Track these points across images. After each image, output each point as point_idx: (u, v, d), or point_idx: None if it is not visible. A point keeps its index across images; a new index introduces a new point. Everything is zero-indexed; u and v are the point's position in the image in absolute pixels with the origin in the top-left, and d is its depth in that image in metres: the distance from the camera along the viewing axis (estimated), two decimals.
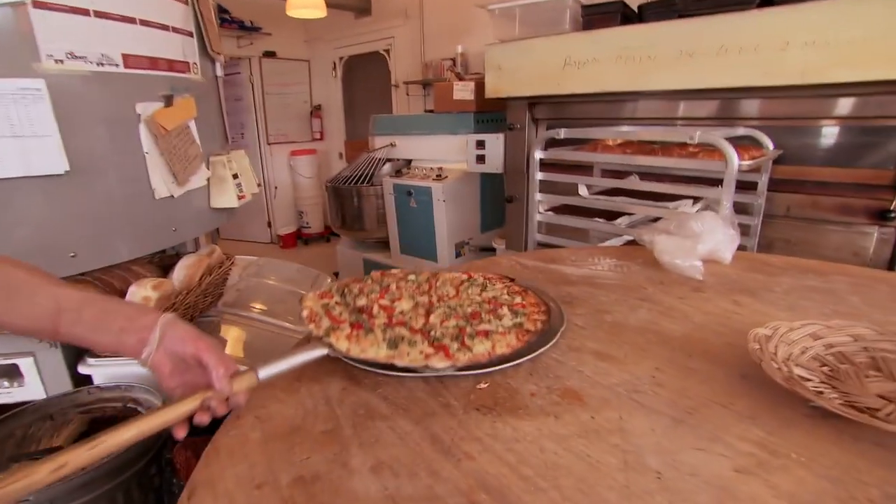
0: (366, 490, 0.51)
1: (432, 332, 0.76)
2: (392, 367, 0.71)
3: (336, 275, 3.70)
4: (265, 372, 0.65)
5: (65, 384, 1.27)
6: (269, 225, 5.54)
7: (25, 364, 1.24)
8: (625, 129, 1.70)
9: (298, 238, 5.53)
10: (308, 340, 0.76)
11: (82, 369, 1.31)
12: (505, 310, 0.84)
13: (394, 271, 1.03)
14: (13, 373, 1.26)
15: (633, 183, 1.64)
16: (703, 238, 1.13)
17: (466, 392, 0.68)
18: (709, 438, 0.56)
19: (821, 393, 0.62)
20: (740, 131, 1.67)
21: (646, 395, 0.65)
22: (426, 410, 0.64)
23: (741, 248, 1.21)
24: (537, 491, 0.50)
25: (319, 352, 0.72)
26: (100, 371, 1.32)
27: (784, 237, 1.74)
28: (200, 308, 1.60)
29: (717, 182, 1.42)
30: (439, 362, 0.69)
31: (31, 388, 1.25)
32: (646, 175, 1.77)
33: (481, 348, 0.72)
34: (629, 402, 0.64)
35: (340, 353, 0.72)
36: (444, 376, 0.71)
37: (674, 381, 0.68)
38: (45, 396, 1.25)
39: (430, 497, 0.50)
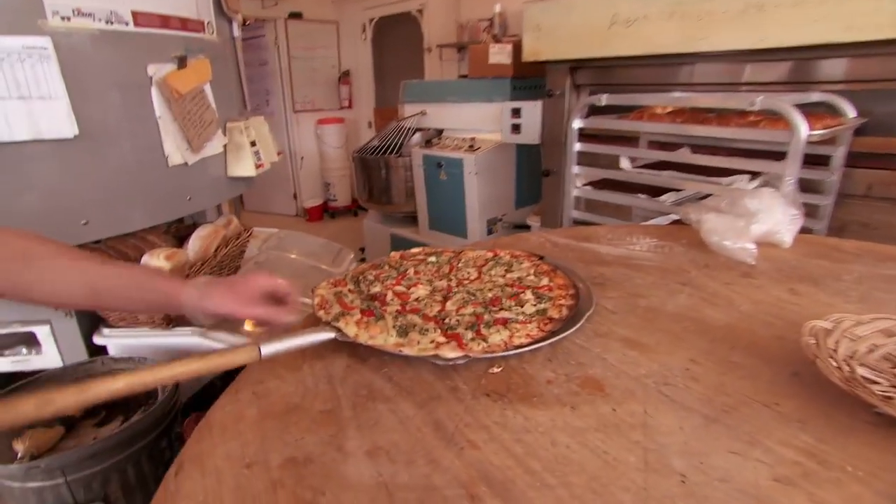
0: (358, 475, 0.51)
1: (447, 320, 0.76)
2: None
3: (362, 250, 3.75)
4: (268, 349, 0.67)
5: (80, 353, 1.34)
6: (295, 197, 5.64)
7: (42, 332, 1.31)
8: (675, 94, 1.61)
9: (325, 211, 5.61)
10: (317, 322, 0.78)
11: (97, 340, 1.37)
12: (528, 294, 0.82)
13: (413, 251, 1.04)
14: (30, 340, 1.33)
15: (684, 156, 1.55)
16: (759, 218, 1.07)
17: (477, 376, 0.67)
18: (746, 441, 0.53)
19: (890, 398, 0.57)
20: (814, 97, 1.55)
21: (676, 389, 0.62)
22: (431, 394, 0.64)
23: (806, 230, 1.13)
24: (544, 487, 0.48)
25: (326, 335, 0.73)
26: (114, 342, 1.38)
27: (862, 220, 1.62)
28: None
29: (781, 156, 1.33)
30: (450, 352, 0.68)
31: (48, 357, 1.33)
32: (698, 148, 1.68)
33: (497, 338, 0.71)
34: (657, 395, 0.61)
35: (348, 338, 0.73)
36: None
37: (710, 376, 0.64)
38: (61, 365, 1.32)
39: (425, 487, 0.49)
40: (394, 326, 0.74)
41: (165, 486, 0.52)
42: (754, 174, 1.49)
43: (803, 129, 1.26)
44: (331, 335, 0.73)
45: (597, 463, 0.51)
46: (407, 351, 0.69)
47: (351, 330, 0.74)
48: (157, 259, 1.31)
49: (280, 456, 0.55)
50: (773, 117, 1.40)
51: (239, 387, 0.68)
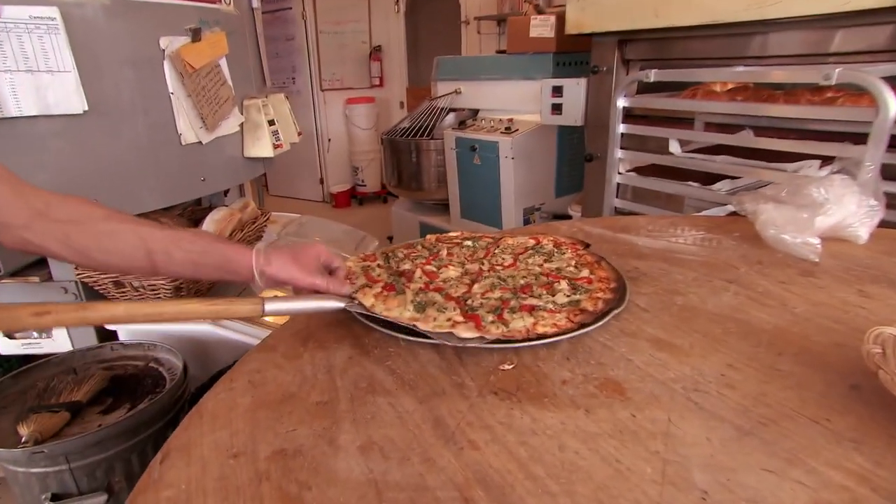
0: (348, 471, 0.52)
1: (469, 302, 0.78)
2: (413, 333, 0.73)
3: (390, 239, 3.79)
4: (272, 306, 0.71)
5: (90, 338, 1.42)
6: (322, 182, 5.74)
7: None
8: (737, 69, 1.55)
9: (353, 197, 5.70)
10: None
11: (107, 325, 1.44)
12: (563, 284, 0.83)
13: (451, 234, 1.07)
14: None
15: (745, 139, 1.49)
16: (827, 209, 1.02)
17: (486, 372, 0.67)
18: (785, 459, 0.51)
19: None
20: None
21: (708, 397, 0.60)
22: (435, 389, 0.64)
23: (893, 225, 1.07)
24: (545, 494, 0.48)
25: (335, 304, 0.77)
26: (125, 327, 1.44)
27: None
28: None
29: (862, 138, 1.26)
30: (466, 332, 0.70)
31: (58, 341, 1.41)
32: (762, 130, 1.60)
33: (519, 324, 0.72)
34: (684, 402, 0.59)
35: (363, 308, 0.76)
36: (466, 351, 0.71)
37: (749, 383, 0.62)
38: (71, 349, 1.40)
39: (417, 486, 0.49)
40: (412, 301, 0.77)
41: (149, 473, 0.54)
42: (827, 160, 1.41)
43: (892, 104, 1.19)
44: (340, 304, 0.77)
45: (607, 472, 0.50)
46: (421, 326, 0.72)
47: (368, 300, 0.77)
48: None
49: (269, 447, 0.56)
50: (855, 93, 1.33)
51: (234, 375, 0.71)
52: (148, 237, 0.71)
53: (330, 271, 0.83)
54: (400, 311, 0.76)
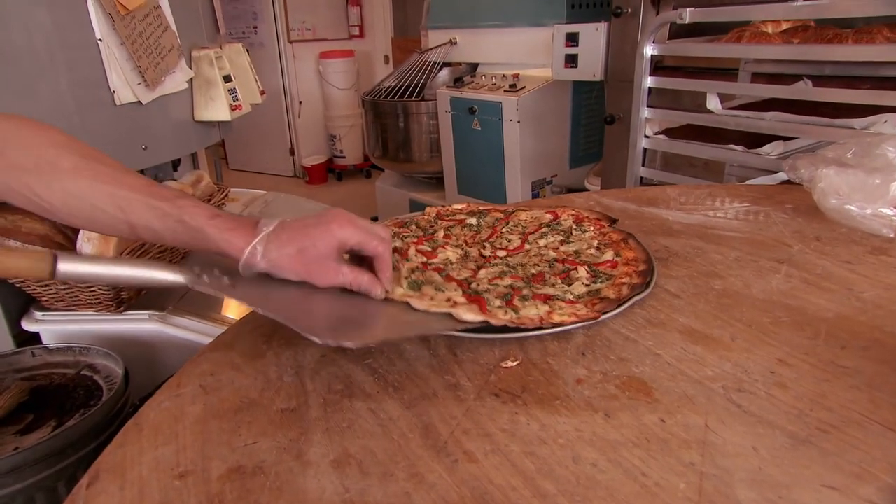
0: (319, 490, 0.52)
1: (473, 285, 0.80)
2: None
3: (375, 220, 3.80)
4: (68, 265, 0.65)
5: (5, 342, 1.40)
6: (292, 153, 5.72)
7: None
8: (796, 3, 1.53)
9: (329, 171, 5.69)
10: None
11: (27, 325, 1.42)
12: (581, 271, 0.84)
13: (455, 207, 1.10)
14: None
15: (802, 91, 1.49)
16: None
17: (485, 370, 0.67)
18: (852, 473, 0.51)
19: None
20: None
21: (754, 398, 0.60)
22: (425, 391, 0.64)
23: None
24: None
25: (172, 276, 0.70)
26: (49, 328, 1.43)
27: None
28: (181, 253, 1.69)
29: None
30: (467, 313, 0.70)
31: None
32: (824, 79, 1.60)
33: (532, 312, 0.73)
34: (725, 404, 0.59)
35: (221, 286, 0.72)
36: (461, 345, 0.71)
37: (806, 382, 0.62)
38: None
39: None
40: (406, 278, 0.78)
41: (73, 500, 0.54)
42: None
43: None
44: (178, 278, 0.70)
45: (631, 488, 0.50)
46: (416, 304, 0.72)
47: None
48: (87, 242, 1.32)
49: (224, 464, 0.56)
50: None
51: (182, 379, 0.70)
52: (128, 208, 0.67)
53: (362, 258, 0.75)
54: (391, 286, 0.76)
